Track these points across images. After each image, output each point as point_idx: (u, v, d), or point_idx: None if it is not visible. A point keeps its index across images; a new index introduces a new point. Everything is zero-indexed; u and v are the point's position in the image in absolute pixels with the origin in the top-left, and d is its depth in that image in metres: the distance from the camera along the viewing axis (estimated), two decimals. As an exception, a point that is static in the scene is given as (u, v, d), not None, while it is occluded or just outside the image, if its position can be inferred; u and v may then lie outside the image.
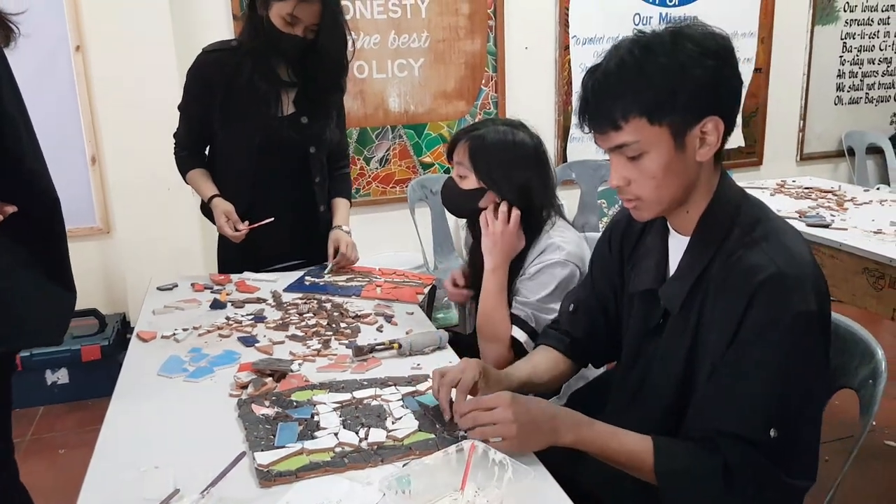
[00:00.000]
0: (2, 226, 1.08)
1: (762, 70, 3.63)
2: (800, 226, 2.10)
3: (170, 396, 1.17)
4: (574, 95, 3.31)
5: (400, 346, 1.30)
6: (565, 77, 3.30)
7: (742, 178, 3.10)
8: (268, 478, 0.92)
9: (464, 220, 1.59)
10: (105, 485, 0.93)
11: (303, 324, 1.44)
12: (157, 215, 2.62)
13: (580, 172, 3.08)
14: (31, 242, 1.14)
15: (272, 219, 1.69)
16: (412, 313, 1.53)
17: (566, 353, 1.21)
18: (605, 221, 3.40)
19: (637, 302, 1.06)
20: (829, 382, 0.97)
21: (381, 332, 1.42)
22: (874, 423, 1.04)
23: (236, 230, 1.67)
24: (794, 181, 2.76)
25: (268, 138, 1.69)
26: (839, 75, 3.87)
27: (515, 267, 1.40)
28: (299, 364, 1.26)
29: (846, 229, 2.06)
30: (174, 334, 1.38)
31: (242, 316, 1.48)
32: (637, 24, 3.36)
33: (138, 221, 2.64)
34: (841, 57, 3.84)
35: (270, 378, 1.20)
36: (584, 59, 3.29)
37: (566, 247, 1.36)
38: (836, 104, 3.91)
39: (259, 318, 1.48)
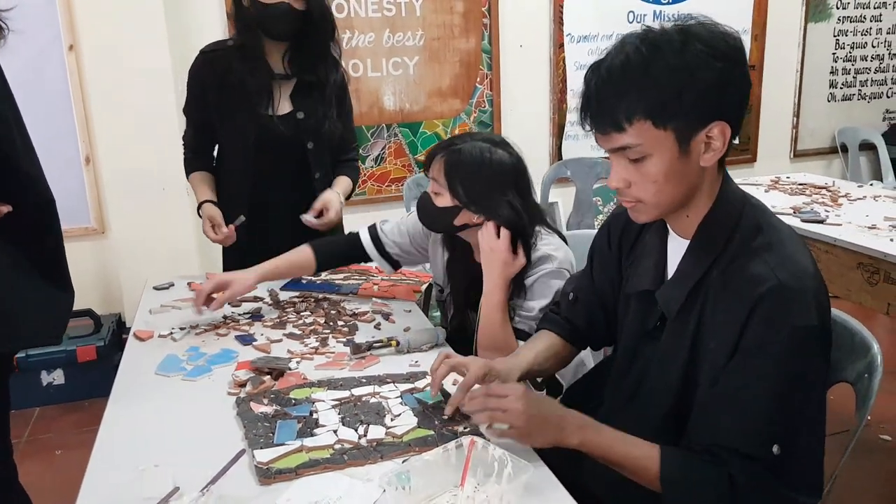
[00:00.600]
0: (-2, 226, 1.07)
1: (755, 67, 3.64)
2: (794, 221, 2.11)
3: (168, 395, 1.16)
4: (569, 93, 3.39)
5: (398, 343, 1.31)
6: (560, 75, 3.30)
7: (736, 175, 3.08)
8: (267, 475, 0.92)
9: (437, 247, 1.54)
10: (104, 484, 0.93)
11: (300, 322, 1.44)
12: (152, 215, 2.61)
13: (575, 170, 3.08)
14: (27, 243, 1.13)
15: (243, 218, 1.69)
16: (409, 311, 1.53)
17: (567, 338, 1.21)
18: (601, 219, 3.41)
19: (634, 302, 1.05)
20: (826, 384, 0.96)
21: (379, 329, 1.42)
22: (869, 417, 1.04)
23: (224, 237, 1.66)
24: (788, 177, 2.78)
25: (262, 136, 1.68)
26: (832, 72, 3.88)
27: (516, 285, 1.35)
28: (297, 362, 1.26)
29: (841, 225, 2.07)
30: (171, 333, 1.38)
31: (239, 315, 1.48)
32: (631, 22, 3.37)
33: (133, 221, 2.63)
34: (834, 54, 3.86)
35: (268, 376, 1.20)
36: (578, 57, 3.29)
37: (556, 254, 1.34)
38: (829, 101, 3.92)
39: (256, 316, 1.47)
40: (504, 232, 1.31)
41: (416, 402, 1.11)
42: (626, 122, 0.86)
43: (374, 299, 1.59)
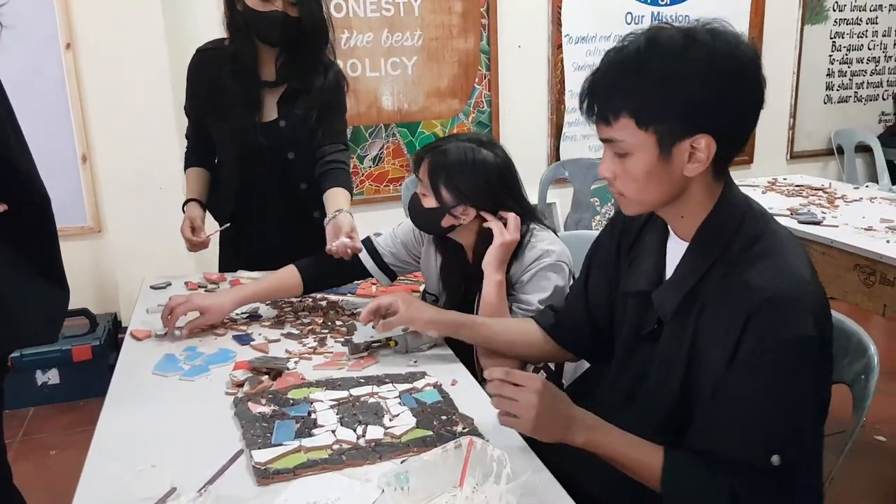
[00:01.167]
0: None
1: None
2: (791, 223, 2.12)
3: (165, 395, 1.16)
4: (567, 94, 3.39)
5: (396, 343, 1.30)
6: (558, 76, 3.31)
7: (733, 177, 3.11)
8: (265, 475, 0.92)
9: (430, 251, 1.52)
10: (101, 484, 0.92)
11: (298, 322, 1.44)
12: (149, 214, 2.60)
13: (573, 171, 3.09)
14: (22, 242, 1.12)
15: (228, 224, 1.69)
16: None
17: (549, 332, 1.22)
18: (599, 220, 3.41)
19: (631, 302, 1.04)
20: (828, 402, 0.94)
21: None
22: (864, 418, 1.05)
23: (195, 243, 1.64)
24: (784, 179, 2.78)
25: (243, 143, 1.65)
26: (828, 74, 3.90)
27: (513, 280, 1.36)
28: (295, 362, 1.25)
29: (837, 226, 2.08)
30: (168, 333, 1.37)
31: (237, 314, 1.48)
32: (629, 24, 3.37)
33: (130, 220, 2.62)
34: (830, 56, 3.87)
35: (266, 376, 1.19)
36: (576, 58, 3.30)
37: (553, 248, 1.34)
38: (825, 103, 3.94)
39: (254, 316, 1.47)
40: (514, 221, 1.31)
41: (414, 403, 1.11)
42: (613, 117, 0.88)
43: (372, 299, 1.58)
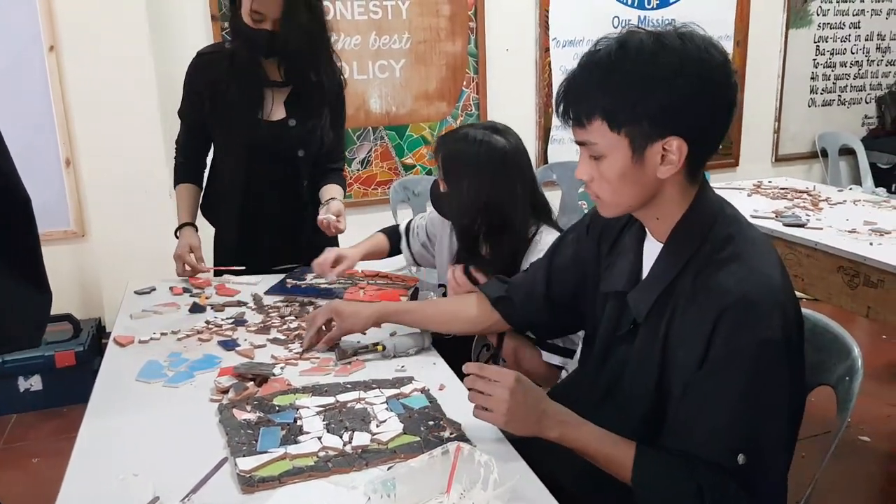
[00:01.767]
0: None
1: (738, 73, 3.69)
2: (776, 225, 2.14)
3: (148, 402, 1.14)
4: (555, 97, 3.38)
5: (384, 348, 1.30)
6: (546, 79, 3.32)
7: (719, 180, 3.14)
8: (250, 483, 0.91)
9: (444, 234, 1.61)
10: (83, 493, 0.91)
11: (284, 327, 1.43)
12: (134, 218, 2.57)
13: (561, 174, 3.09)
14: (4, 244, 1.11)
15: (243, 268, 1.70)
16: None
17: (496, 304, 1.25)
18: (586, 222, 3.42)
19: (610, 302, 1.05)
20: (802, 403, 0.97)
21: (365, 334, 1.40)
22: (849, 419, 1.06)
23: (192, 266, 1.66)
24: (770, 182, 2.81)
25: (253, 143, 1.66)
26: (812, 78, 3.94)
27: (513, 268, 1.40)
28: (281, 368, 1.24)
29: (821, 229, 2.10)
30: (152, 339, 1.36)
31: (222, 319, 1.46)
32: (616, 27, 3.39)
33: (114, 224, 2.59)
34: (814, 60, 3.92)
35: (252, 382, 1.18)
36: (564, 61, 3.31)
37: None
38: (809, 106, 3.98)
39: (240, 321, 1.46)
40: (458, 272, 1.40)
41: (402, 408, 1.10)
42: (586, 120, 0.90)
43: (359, 303, 1.57)
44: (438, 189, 1.48)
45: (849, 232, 2.05)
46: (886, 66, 4.09)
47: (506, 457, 0.97)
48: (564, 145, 3.38)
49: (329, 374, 1.22)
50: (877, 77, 4.10)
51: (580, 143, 0.93)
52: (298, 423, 1.05)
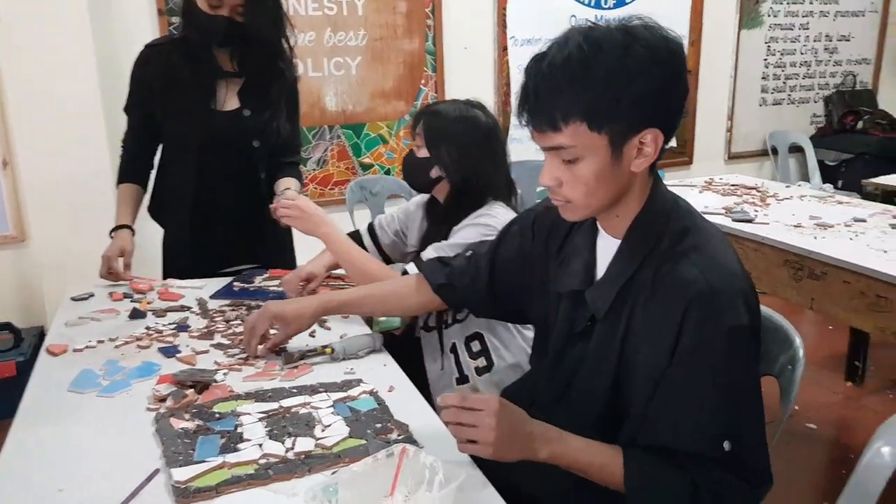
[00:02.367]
0: None
1: (692, 72, 3.76)
2: (726, 221, 2.18)
3: (80, 413, 1.08)
4: (513, 96, 3.38)
5: (332, 350, 1.26)
6: (504, 78, 3.32)
7: (673, 177, 3.20)
8: (185, 495, 0.87)
9: (417, 215, 1.60)
10: (1, 513, 0.85)
11: (229, 332, 1.38)
12: (77, 221, 2.45)
13: (519, 173, 3.05)
14: None
15: (154, 280, 1.65)
16: (347, 317, 1.49)
17: (438, 290, 1.24)
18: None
19: (564, 301, 1.04)
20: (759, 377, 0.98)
21: (314, 337, 1.37)
22: (797, 407, 1.08)
23: (115, 272, 1.59)
24: (721, 179, 2.87)
25: (206, 134, 1.62)
26: (763, 77, 4.05)
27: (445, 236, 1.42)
28: (224, 374, 1.20)
29: (768, 224, 2.14)
30: (88, 346, 1.29)
31: (164, 325, 1.40)
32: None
33: (56, 228, 2.47)
34: (765, 60, 4.03)
35: (192, 390, 1.13)
36: (522, 60, 3.31)
37: (493, 222, 1.36)
38: (760, 105, 4.09)
39: (182, 326, 1.40)
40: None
41: (349, 412, 1.07)
42: (563, 123, 0.86)
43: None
44: (412, 156, 1.48)
45: (794, 226, 2.10)
46: (834, 66, 4.24)
47: (454, 457, 0.95)
48: (523, 144, 3.37)
49: (275, 380, 1.18)
50: (825, 77, 4.24)
51: (551, 148, 0.89)
52: (239, 430, 1.01)
